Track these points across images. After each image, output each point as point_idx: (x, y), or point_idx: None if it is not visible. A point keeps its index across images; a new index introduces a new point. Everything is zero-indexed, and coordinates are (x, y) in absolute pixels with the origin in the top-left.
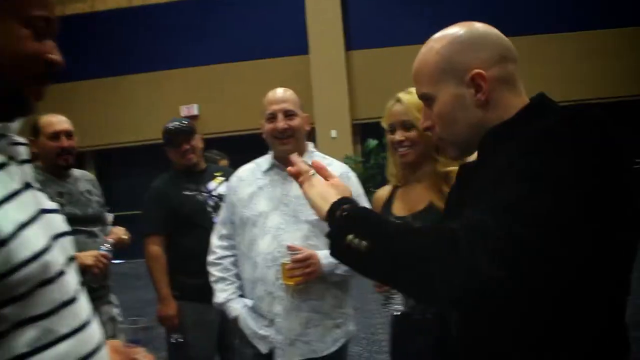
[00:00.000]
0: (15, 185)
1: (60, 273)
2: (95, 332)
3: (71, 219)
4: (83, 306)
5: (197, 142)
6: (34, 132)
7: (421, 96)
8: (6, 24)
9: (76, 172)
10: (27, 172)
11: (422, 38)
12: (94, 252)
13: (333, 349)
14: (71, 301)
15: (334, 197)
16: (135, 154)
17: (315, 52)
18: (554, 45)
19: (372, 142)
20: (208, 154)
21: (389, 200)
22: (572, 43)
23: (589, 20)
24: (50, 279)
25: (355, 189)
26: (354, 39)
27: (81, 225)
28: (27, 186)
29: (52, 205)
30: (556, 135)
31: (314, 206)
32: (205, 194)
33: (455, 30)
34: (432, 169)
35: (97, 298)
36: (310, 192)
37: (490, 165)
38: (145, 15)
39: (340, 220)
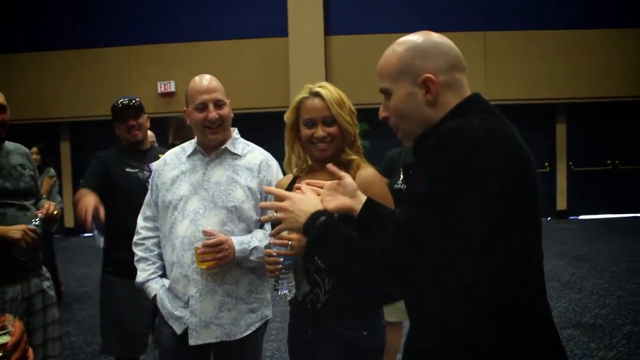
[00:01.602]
0: None
1: None
2: None
3: (2, 193)
4: None
5: (144, 120)
6: None
7: (381, 90)
8: None
9: (9, 145)
10: None
11: (400, 27)
12: (22, 226)
13: (247, 333)
14: None
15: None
16: (110, 127)
17: (294, 35)
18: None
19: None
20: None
21: (290, 189)
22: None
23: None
24: None
25: (274, 177)
26: (333, 24)
27: (12, 198)
28: None
29: None
30: (432, 150)
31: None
32: (146, 172)
33: (416, 37)
34: (337, 158)
35: (27, 271)
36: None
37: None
38: None
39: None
